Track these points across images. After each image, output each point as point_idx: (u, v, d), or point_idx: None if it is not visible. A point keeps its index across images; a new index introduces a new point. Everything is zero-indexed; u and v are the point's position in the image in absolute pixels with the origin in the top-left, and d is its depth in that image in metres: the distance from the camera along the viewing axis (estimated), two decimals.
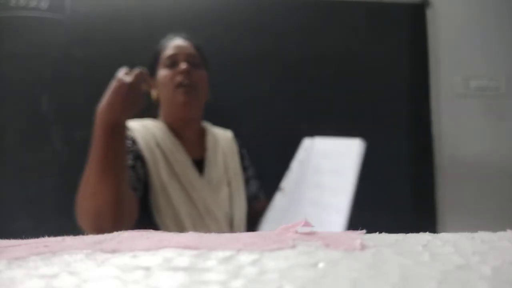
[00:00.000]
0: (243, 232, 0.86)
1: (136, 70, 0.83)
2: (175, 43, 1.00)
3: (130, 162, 0.86)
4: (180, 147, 0.96)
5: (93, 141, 0.79)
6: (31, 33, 1.36)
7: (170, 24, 1.41)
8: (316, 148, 0.94)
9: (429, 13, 1.63)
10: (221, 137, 1.08)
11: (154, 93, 1.01)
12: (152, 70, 1.01)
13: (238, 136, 1.17)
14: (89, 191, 0.75)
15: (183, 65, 0.95)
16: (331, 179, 0.85)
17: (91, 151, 0.79)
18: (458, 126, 1.63)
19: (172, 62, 0.97)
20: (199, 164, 0.98)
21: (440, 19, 1.64)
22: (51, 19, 1.37)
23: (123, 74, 0.82)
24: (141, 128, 0.95)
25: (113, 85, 0.80)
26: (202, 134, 1.05)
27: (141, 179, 0.88)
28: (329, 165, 0.87)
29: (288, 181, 0.96)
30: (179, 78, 0.95)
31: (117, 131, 0.78)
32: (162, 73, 0.97)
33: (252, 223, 1.01)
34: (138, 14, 1.42)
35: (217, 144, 1.04)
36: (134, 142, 0.91)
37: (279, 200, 0.95)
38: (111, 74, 1.39)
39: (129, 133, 0.92)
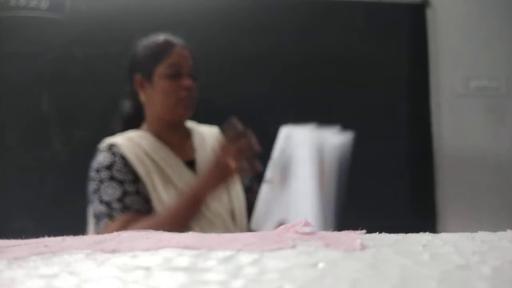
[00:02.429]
0: (246, 224, 0.87)
1: (252, 163, 0.86)
2: (179, 51, 0.97)
3: (132, 188, 0.88)
4: (170, 152, 0.96)
5: (178, 204, 0.85)
6: (31, 33, 1.36)
7: (170, 24, 1.41)
8: (295, 138, 0.94)
9: (429, 13, 1.63)
10: (208, 134, 1.07)
11: (142, 95, 0.98)
12: (147, 69, 0.97)
13: None
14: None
15: (188, 82, 0.95)
16: (304, 168, 0.88)
17: (171, 207, 0.85)
18: (458, 126, 1.63)
19: (176, 72, 0.95)
20: (191, 165, 0.98)
21: (440, 19, 1.64)
22: (51, 19, 1.38)
23: (235, 162, 0.84)
24: (127, 143, 0.93)
25: (223, 171, 0.85)
26: (188, 135, 1.04)
27: (147, 198, 0.90)
28: (304, 154, 0.89)
29: (273, 172, 0.95)
30: (183, 94, 0.95)
31: (198, 204, 0.86)
32: (165, 82, 0.95)
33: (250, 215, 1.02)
34: (138, 14, 1.42)
35: (204, 142, 1.04)
36: (124, 159, 0.90)
37: (267, 192, 0.94)
38: (111, 74, 1.39)
39: (116, 149, 0.91)
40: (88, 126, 1.36)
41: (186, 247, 0.22)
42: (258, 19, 1.51)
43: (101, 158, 0.91)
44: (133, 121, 1.02)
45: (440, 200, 1.58)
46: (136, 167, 0.91)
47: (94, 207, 0.90)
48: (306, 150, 0.87)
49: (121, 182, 0.88)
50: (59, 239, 0.25)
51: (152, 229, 0.84)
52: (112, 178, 0.89)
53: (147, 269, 0.19)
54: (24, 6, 1.36)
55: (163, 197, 0.90)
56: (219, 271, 0.18)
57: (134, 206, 0.87)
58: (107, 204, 0.87)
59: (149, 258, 0.20)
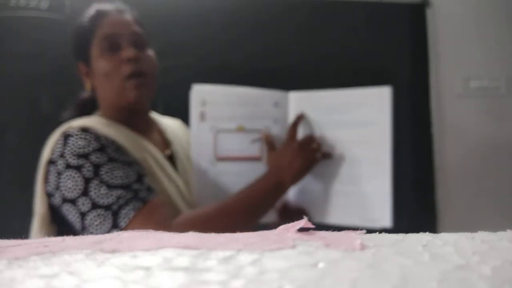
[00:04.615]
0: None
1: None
2: (112, 20, 0.78)
3: (141, 171, 0.72)
4: (146, 141, 0.80)
5: (256, 191, 0.77)
6: (31, 33, 1.36)
7: (169, 24, 1.41)
8: (315, 104, 0.86)
9: (429, 13, 1.63)
10: (176, 127, 0.95)
11: (88, 84, 0.81)
12: (82, 53, 0.79)
13: None
14: (220, 224, 0.70)
15: (129, 52, 0.75)
16: (360, 132, 0.83)
17: (245, 195, 0.76)
18: (458, 126, 1.63)
19: (112, 45, 0.76)
20: (169, 159, 0.85)
21: (440, 19, 1.64)
22: (51, 19, 1.37)
23: (314, 151, 0.81)
24: (109, 130, 0.75)
25: (308, 159, 0.80)
26: (153, 127, 0.87)
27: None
28: (352, 118, 0.84)
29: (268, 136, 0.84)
30: (126, 69, 0.75)
31: (281, 192, 0.80)
32: (101, 61, 0.76)
33: None
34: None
35: (176, 136, 0.90)
36: (113, 142, 0.72)
37: (256, 171, 0.83)
38: None
39: (94, 131, 0.72)
40: None
41: (186, 247, 0.22)
42: (258, 19, 1.50)
43: (80, 142, 0.69)
44: (84, 110, 0.83)
45: (440, 200, 1.58)
46: (129, 149, 0.73)
47: (94, 198, 0.66)
48: (382, 112, 0.85)
49: (127, 163, 0.70)
50: (59, 239, 0.25)
51: (216, 219, 0.71)
52: (112, 159, 0.69)
53: (147, 269, 0.19)
54: (24, 6, 1.36)
55: (166, 187, 0.77)
56: (219, 271, 0.18)
57: (155, 189, 0.70)
58: (125, 187, 0.66)
59: (149, 258, 0.20)
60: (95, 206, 0.66)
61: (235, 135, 0.83)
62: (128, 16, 0.81)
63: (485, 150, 1.64)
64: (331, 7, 1.55)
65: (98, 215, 0.66)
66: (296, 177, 0.79)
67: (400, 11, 1.61)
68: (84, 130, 0.71)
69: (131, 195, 0.66)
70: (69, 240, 0.24)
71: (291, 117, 0.85)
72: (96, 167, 0.68)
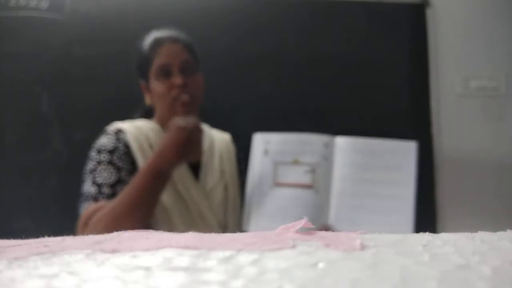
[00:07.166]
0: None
1: (194, 121, 0.87)
2: (166, 50, 0.94)
3: (127, 178, 0.87)
4: None
5: (133, 180, 0.82)
6: (31, 33, 1.36)
7: (170, 24, 1.41)
8: (356, 148, 1.03)
9: (429, 13, 1.63)
10: (218, 140, 1.05)
11: (148, 99, 0.99)
12: (144, 74, 0.97)
13: (238, 136, 1.17)
14: (112, 222, 0.78)
15: (178, 79, 0.91)
16: (389, 175, 1.01)
17: (128, 188, 0.82)
18: (458, 126, 1.63)
19: (166, 72, 0.93)
20: (195, 168, 0.96)
21: (440, 19, 1.64)
22: (51, 19, 1.37)
23: (182, 123, 0.85)
24: (134, 130, 0.93)
25: (172, 133, 0.84)
26: None
27: None
28: (385, 163, 1.02)
29: (316, 178, 0.99)
30: (175, 93, 0.92)
31: (161, 178, 0.82)
32: (156, 84, 0.94)
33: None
34: (138, 14, 1.42)
35: (213, 147, 1.01)
36: (127, 147, 0.90)
37: (307, 196, 0.98)
38: (111, 74, 1.39)
39: (122, 135, 0.91)
40: (88, 126, 1.36)
41: (186, 247, 0.22)
42: (258, 19, 1.51)
43: (105, 140, 0.91)
44: (147, 113, 1.03)
45: (440, 200, 1.58)
46: (138, 157, 0.89)
47: (85, 187, 0.88)
48: (409, 161, 1.04)
49: (118, 169, 0.88)
50: (59, 239, 0.25)
51: (114, 213, 0.81)
52: (110, 162, 0.88)
53: (147, 269, 0.19)
54: (24, 6, 1.36)
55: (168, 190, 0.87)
56: (219, 271, 0.18)
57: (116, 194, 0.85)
58: (99, 186, 0.86)
59: (149, 258, 0.20)
60: (83, 192, 0.89)
61: (291, 167, 1.01)
62: (180, 45, 0.96)
63: (485, 150, 1.64)
64: (331, 7, 1.55)
65: (82, 198, 0.88)
66: (174, 159, 0.84)
67: (400, 11, 1.60)
68: (118, 131, 0.92)
69: (95, 194, 0.85)
70: (69, 240, 0.24)
71: (337, 154, 1.03)
72: (98, 164, 0.88)
